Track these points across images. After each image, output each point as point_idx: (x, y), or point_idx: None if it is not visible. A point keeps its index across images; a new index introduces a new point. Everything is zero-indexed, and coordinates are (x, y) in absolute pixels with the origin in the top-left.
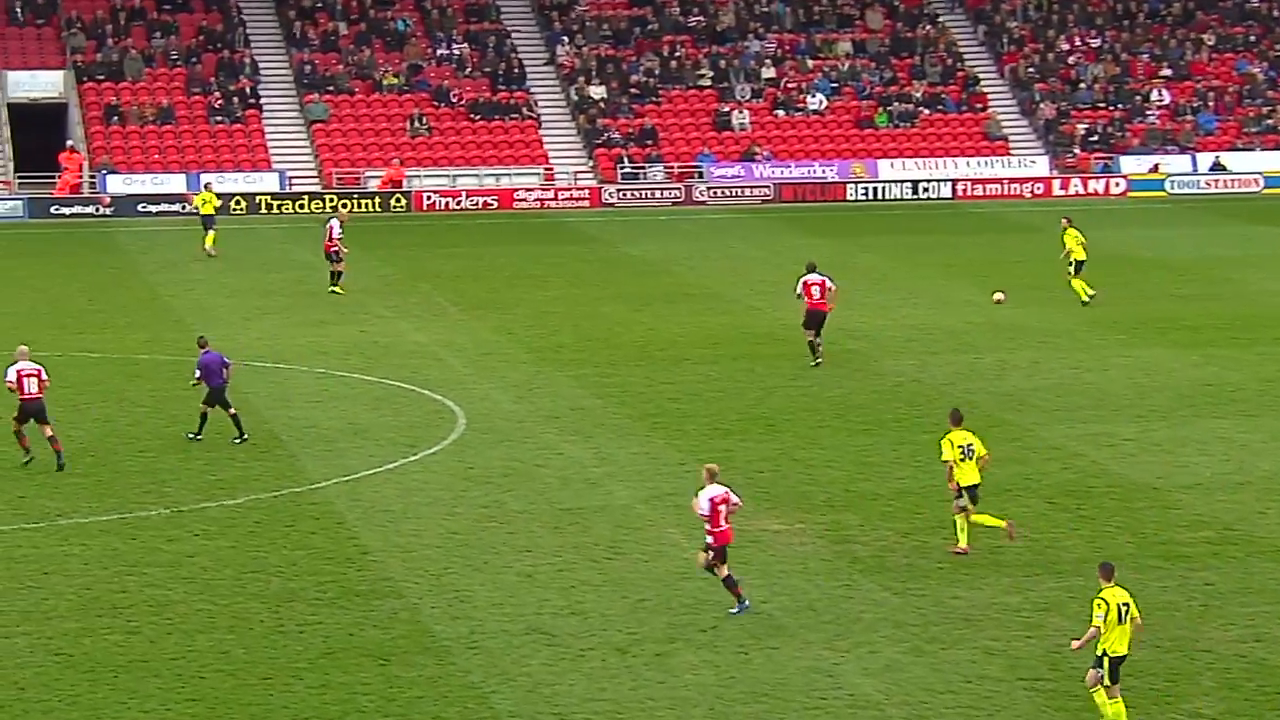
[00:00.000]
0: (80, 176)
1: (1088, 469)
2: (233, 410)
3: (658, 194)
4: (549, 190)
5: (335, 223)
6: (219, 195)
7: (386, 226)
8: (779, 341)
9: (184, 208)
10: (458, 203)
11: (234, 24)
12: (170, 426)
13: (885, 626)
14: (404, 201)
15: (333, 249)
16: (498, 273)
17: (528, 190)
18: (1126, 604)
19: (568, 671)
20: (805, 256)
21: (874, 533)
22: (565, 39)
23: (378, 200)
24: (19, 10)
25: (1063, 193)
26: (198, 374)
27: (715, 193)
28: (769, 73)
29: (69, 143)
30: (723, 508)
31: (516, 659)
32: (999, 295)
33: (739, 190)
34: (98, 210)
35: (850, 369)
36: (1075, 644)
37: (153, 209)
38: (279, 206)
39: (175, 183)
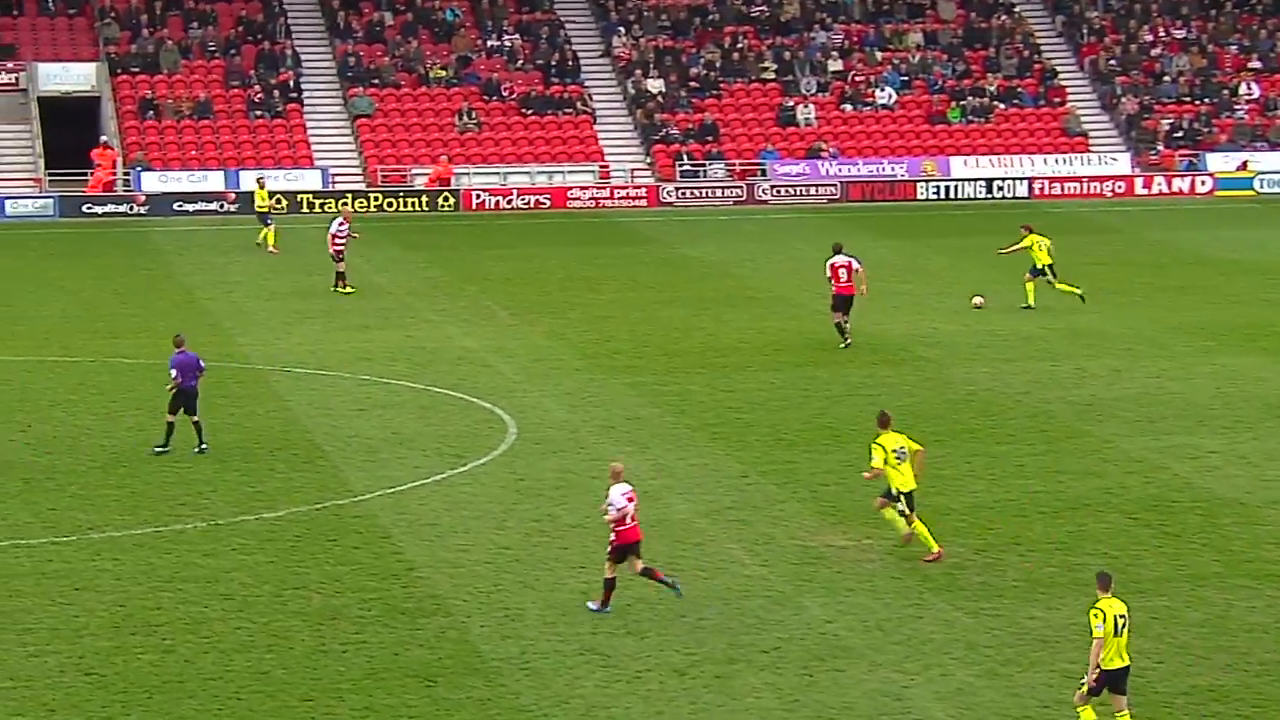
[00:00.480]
0: (113, 174)
1: (1171, 483)
2: (197, 417)
3: (718, 193)
4: (604, 189)
5: (338, 221)
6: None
7: (434, 226)
8: (846, 348)
9: (221, 207)
10: (508, 201)
11: (274, 14)
12: (208, 436)
13: (957, 648)
14: (452, 200)
15: (338, 248)
16: (550, 275)
17: (582, 189)
18: (1123, 616)
19: (623, 694)
20: (873, 258)
21: (945, 549)
22: (621, 30)
23: (425, 199)
24: (50, 2)
25: (1145, 191)
26: (175, 374)
27: (779, 191)
28: (836, 65)
29: (102, 138)
30: (630, 506)
31: (570, 681)
32: (978, 299)
33: (804, 189)
34: (132, 209)
35: (921, 377)
36: (1089, 681)
37: (189, 208)
38: (321, 205)
39: (213, 180)
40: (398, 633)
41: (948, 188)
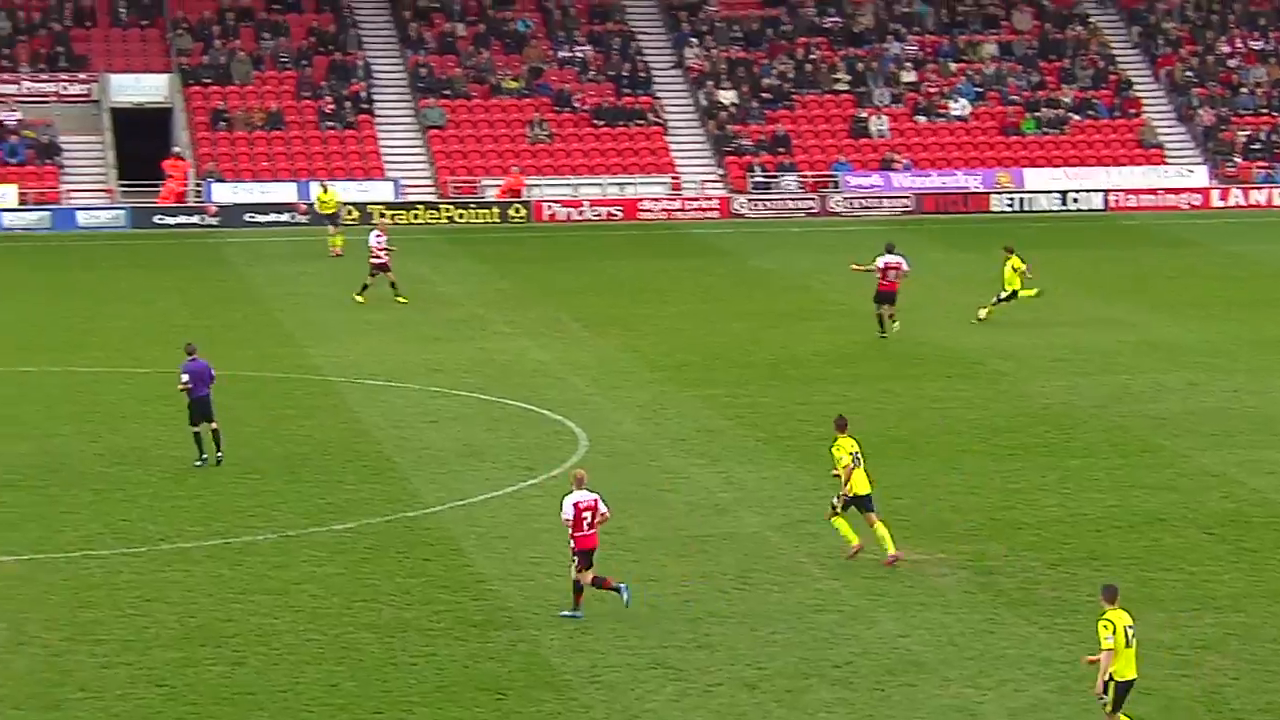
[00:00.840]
0: (185, 184)
1: (1248, 498)
2: (215, 425)
3: (791, 204)
4: (676, 200)
5: (375, 234)
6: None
7: (505, 238)
8: (920, 361)
9: (293, 218)
10: (580, 213)
11: (346, 25)
12: (279, 447)
13: (1031, 664)
14: (523, 212)
15: (379, 260)
16: (622, 287)
17: (654, 200)
18: (1132, 626)
19: (694, 708)
20: (947, 271)
21: (1019, 564)
22: (694, 41)
23: (496, 210)
24: (123, 11)
25: (1222, 204)
26: (186, 379)
27: (852, 203)
28: (909, 76)
29: (174, 149)
30: (587, 515)
31: (640, 694)
32: (982, 312)
33: (877, 201)
34: (203, 220)
35: (995, 390)
36: (1087, 659)
37: (261, 219)
38: (393, 217)
39: (284, 191)
40: (468, 645)
41: (1022, 200)
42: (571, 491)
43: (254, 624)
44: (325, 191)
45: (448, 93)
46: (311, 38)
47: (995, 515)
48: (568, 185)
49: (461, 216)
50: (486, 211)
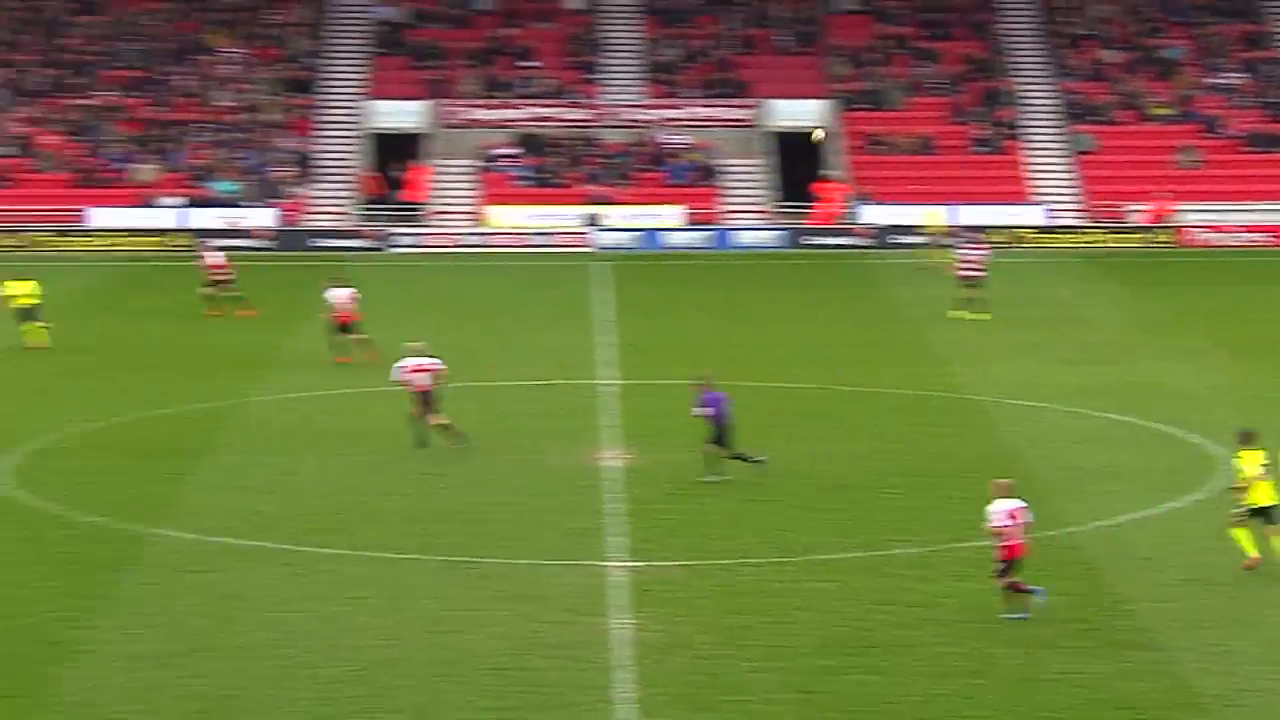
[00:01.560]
0: (839, 207)
1: None
2: (738, 452)
3: None
4: None
5: (970, 247)
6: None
7: (1151, 263)
8: None
9: (924, 240)
10: (1229, 239)
11: (998, 52)
12: (921, 463)
13: None
14: (1170, 236)
15: (968, 273)
16: (1271, 313)
17: None
18: None
19: None
20: None
21: None
22: None
23: (1143, 235)
24: (783, 39)
25: None
26: (710, 410)
27: None
28: None
29: (827, 172)
30: (1013, 522)
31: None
32: (818, 133)
33: None
34: (855, 241)
35: None
36: None
37: (910, 241)
38: (1040, 240)
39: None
40: (1106, 664)
41: None
42: (996, 500)
43: (895, 635)
44: (935, 213)
45: (1097, 118)
46: (964, 65)
47: None
48: (1216, 211)
49: (1107, 240)
50: (1132, 236)
